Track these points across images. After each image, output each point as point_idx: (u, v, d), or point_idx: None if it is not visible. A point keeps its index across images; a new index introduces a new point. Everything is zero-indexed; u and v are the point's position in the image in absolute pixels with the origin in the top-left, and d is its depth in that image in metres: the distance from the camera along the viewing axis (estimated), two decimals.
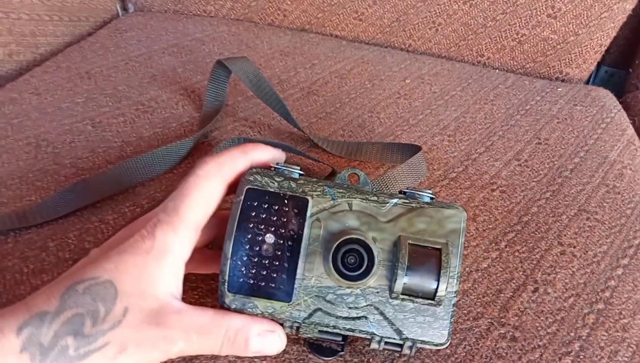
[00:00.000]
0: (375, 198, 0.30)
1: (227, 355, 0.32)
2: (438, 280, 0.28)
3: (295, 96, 0.57)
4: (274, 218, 0.29)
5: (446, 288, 0.28)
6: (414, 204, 0.30)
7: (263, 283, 0.29)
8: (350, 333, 0.29)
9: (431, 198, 0.31)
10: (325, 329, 0.29)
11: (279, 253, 0.29)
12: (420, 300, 0.29)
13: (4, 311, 0.25)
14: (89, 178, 0.41)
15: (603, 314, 0.37)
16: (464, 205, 0.45)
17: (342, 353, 0.32)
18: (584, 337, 0.35)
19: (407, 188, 0.31)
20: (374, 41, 0.72)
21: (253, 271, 0.29)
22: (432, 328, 0.29)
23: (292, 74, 0.61)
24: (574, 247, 0.42)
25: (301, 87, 0.59)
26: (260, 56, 0.63)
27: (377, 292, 0.29)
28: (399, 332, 0.29)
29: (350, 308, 0.29)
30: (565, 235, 0.43)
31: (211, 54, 0.63)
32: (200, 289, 0.36)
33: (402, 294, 0.29)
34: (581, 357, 0.34)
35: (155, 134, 0.49)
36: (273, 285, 0.29)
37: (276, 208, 0.29)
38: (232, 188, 0.31)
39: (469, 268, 0.39)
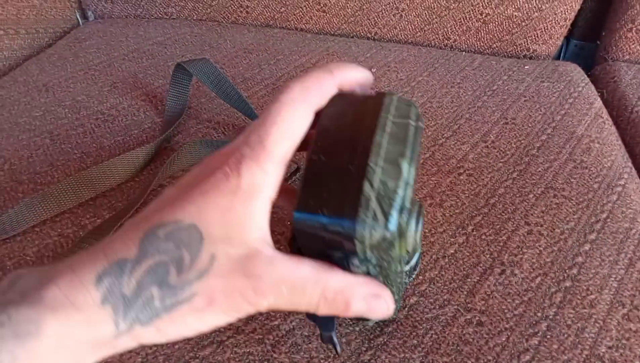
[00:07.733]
0: None
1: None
2: None
3: (260, 93, 0.56)
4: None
5: None
6: None
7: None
8: None
9: None
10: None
11: None
12: None
13: (79, 259, 0.22)
14: (46, 191, 0.41)
15: (570, 291, 0.36)
16: (430, 192, 0.44)
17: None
18: (550, 317, 0.35)
19: None
20: (339, 32, 0.71)
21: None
22: None
23: (256, 71, 0.60)
24: (541, 226, 0.41)
25: (266, 84, 0.58)
26: (224, 55, 0.63)
27: None
28: None
29: None
30: (532, 214, 0.42)
31: (173, 57, 0.62)
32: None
33: None
34: (548, 336, 0.33)
35: (116, 142, 0.48)
36: None
37: None
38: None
39: (435, 255, 0.39)
